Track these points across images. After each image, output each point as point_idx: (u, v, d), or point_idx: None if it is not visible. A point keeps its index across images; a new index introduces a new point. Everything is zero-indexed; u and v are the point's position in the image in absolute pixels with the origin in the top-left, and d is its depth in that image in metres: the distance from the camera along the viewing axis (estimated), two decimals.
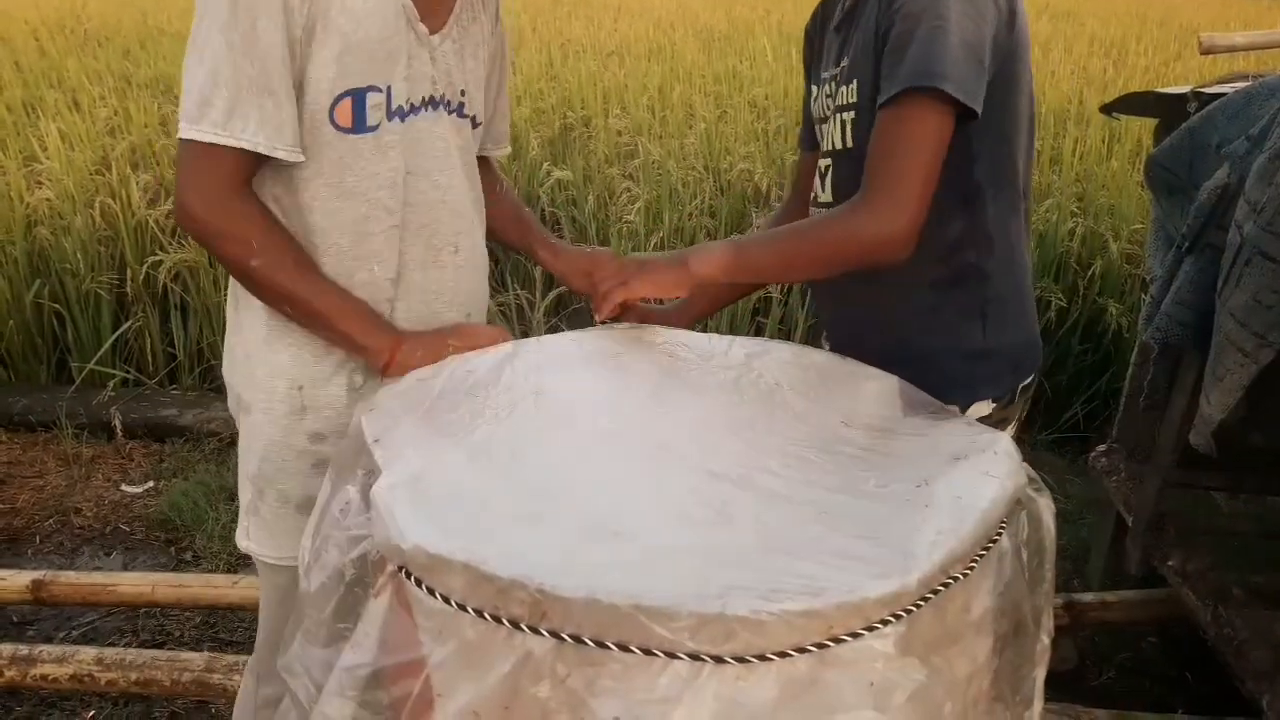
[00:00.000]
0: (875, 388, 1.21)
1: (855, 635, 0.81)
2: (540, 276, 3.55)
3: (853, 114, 1.34)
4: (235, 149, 1.19)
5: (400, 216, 1.32)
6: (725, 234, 3.67)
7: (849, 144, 1.36)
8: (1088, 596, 2.34)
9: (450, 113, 1.36)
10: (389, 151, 1.28)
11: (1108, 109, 2.53)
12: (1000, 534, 0.97)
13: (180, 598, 2.21)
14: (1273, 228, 1.63)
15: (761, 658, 0.79)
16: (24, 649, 1.98)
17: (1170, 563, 2.12)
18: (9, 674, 1.94)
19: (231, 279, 1.36)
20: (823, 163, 1.45)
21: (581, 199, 3.91)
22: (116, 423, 3.26)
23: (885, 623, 0.82)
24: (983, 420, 1.33)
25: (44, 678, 1.94)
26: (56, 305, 3.53)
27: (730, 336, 1.37)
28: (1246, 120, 1.93)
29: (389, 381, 1.32)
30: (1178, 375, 2.13)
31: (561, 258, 1.60)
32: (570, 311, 3.64)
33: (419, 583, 0.87)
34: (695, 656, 0.79)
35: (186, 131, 1.18)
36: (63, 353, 3.61)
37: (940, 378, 1.26)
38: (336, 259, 1.30)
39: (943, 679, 0.89)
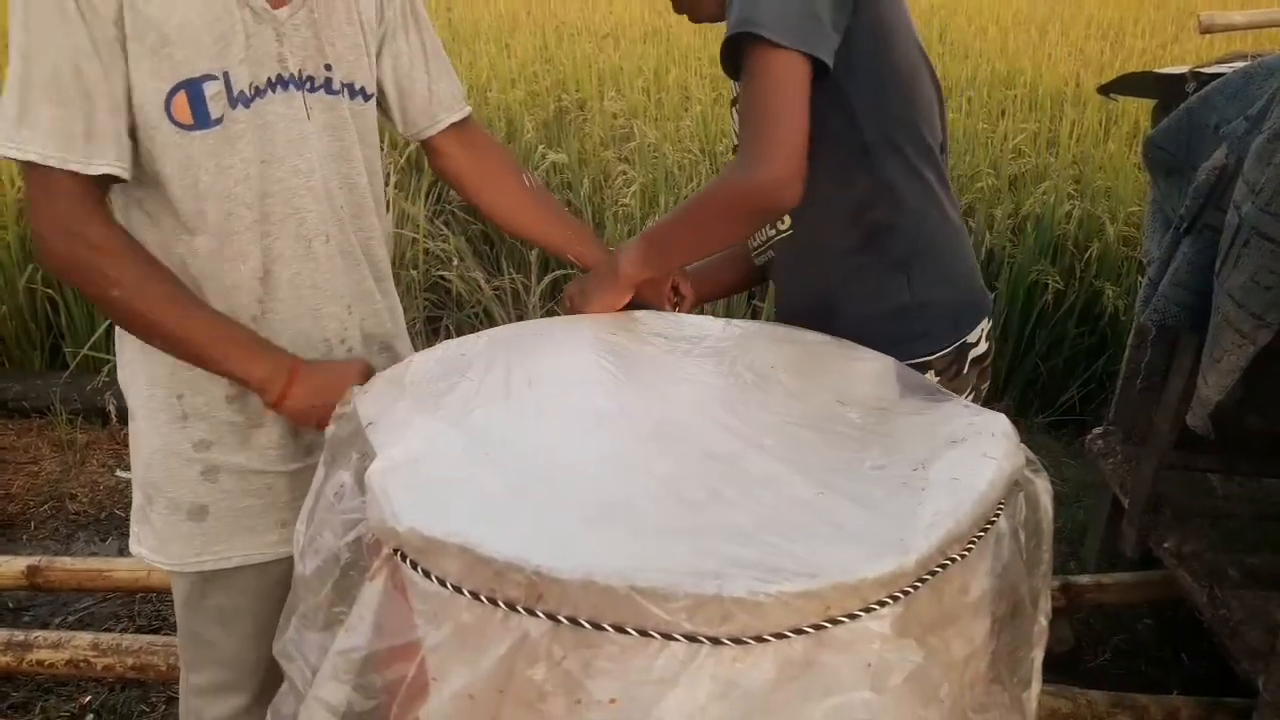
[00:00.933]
0: (871, 368, 1.20)
1: (852, 616, 0.80)
2: (536, 260, 3.54)
3: None
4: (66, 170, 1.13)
5: (260, 210, 1.24)
6: None
7: None
8: (1084, 578, 2.35)
9: (314, 90, 1.27)
10: (238, 142, 1.21)
11: (1105, 90, 2.52)
12: (998, 515, 0.97)
13: None
14: (1271, 208, 1.63)
15: (758, 639, 0.78)
16: (19, 635, 1.98)
17: (1166, 544, 2.12)
18: (4, 659, 1.94)
19: None
20: None
21: (577, 182, 3.90)
22: (111, 408, 3.25)
23: (882, 604, 0.82)
24: None
25: (40, 663, 1.94)
26: (49, 291, 3.52)
27: (724, 319, 1.37)
28: (1245, 100, 1.92)
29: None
30: (1175, 357, 2.13)
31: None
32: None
33: (414, 565, 0.86)
34: (692, 638, 0.78)
35: None
36: (56, 338, 3.60)
37: (875, 340, 1.27)
38: (208, 261, 1.23)
39: (940, 660, 0.89)
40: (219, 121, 1.19)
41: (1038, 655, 1.06)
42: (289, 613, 1.05)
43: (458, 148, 1.52)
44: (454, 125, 1.49)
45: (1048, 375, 3.50)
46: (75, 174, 1.13)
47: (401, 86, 1.43)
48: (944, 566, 0.87)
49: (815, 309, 1.38)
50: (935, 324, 1.37)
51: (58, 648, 1.94)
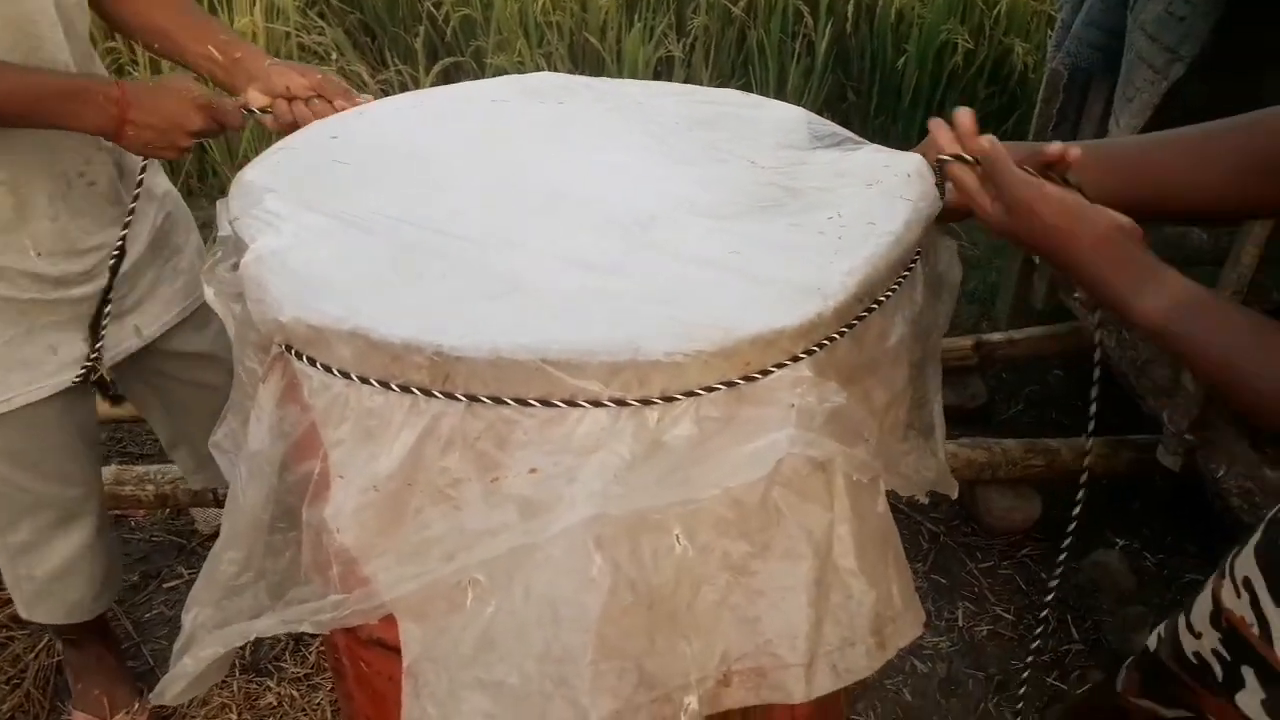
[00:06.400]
0: (781, 119, 1.12)
1: (775, 368, 0.77)
2: (422, 48, 3.30)
3: None
4: None
5: None
6: None
7: None
8: (995, 335, 2.40)
9: None
10: None
11: None
12: (915, 260, 0.94)
13: None
14: None
15: (678, 398, 0.75)
16: None
17: (1076, 295, 2.16)
18: None
19: None
20: None
21: None
22: None
23: (806, 354, 0.79)
24: None
25: None
26: None
27: (626, 80, 1.27)
28: None
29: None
30: (1086, 104, 2.10)
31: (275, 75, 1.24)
32: None
33: (302, 357, 0.80)
34: (610, 403, 0.75)
35: None
36: None
37: None
38: None
39: (863, 406, 0.87)
40: None
41: (939, 402, 1.06)
42: (230, 406, 0.98)
43: None
44: None
45: None
46: None
47: None
48: (863, 317, 0.84)
49: None
50: None
51: None
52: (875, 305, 0.87)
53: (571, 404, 0.75)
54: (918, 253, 0.95)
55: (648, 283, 0.84)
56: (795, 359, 0.79)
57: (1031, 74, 3.40)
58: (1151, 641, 1.19)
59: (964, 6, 3.48)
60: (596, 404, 0.75)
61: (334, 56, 3.25)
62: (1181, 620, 1.13)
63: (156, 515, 2.10)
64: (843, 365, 0.85)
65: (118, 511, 2.06)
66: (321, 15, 3.50)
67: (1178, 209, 0.99)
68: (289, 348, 0.81)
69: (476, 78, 3.63)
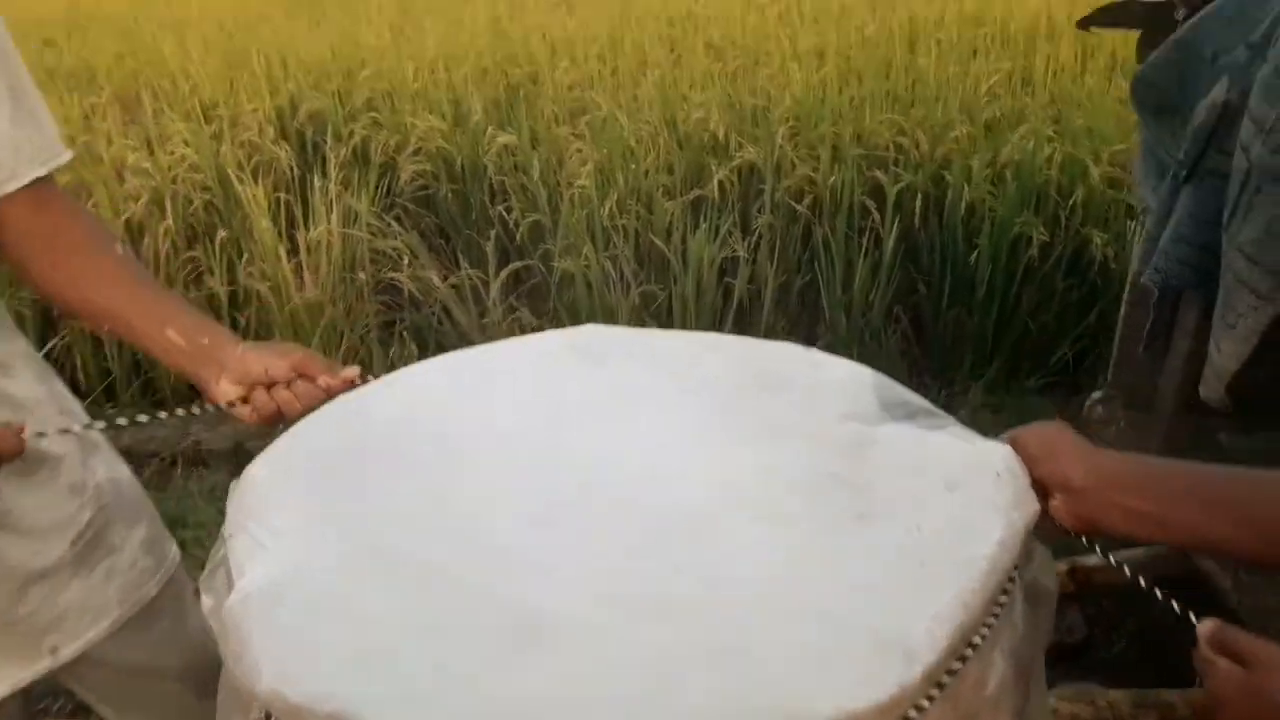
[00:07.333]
0: (843, 383, 1.00)
1: None
2: (493, 252, 3.32)
3: None
4: None
5: None
6: (682, 191, 3.45)
7: None
8: (1092, 559, 2.18)
9: None
10: None
11: (1085, 23, 2.32)
12: (1012, 583, 0.79)
13: None
14: None
15: None
16: None
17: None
18: None
19: None
20: None
21: (528, 164, 3.67)
22: None
23: None
24: None
25: None
26: None
27: (677, 332, 1.16)
28: (1244, 25, 1.72)
29: None
30: (1178, 316, 1.95)
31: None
32: (528, 288, 3.42)
33: None
34: None
35: None
36: None
37: None
38: None
39: None
40: None
41: None
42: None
43: (31, 210, 1.11)
44: (34, 183, 1.10)
45: (1037, 333, 3.32)
46: None
47: None
48: (955, 671, 0.70)
49: None
50: None
51: None
52: (970, 651, 0.72)
53: None
54: (1014, 572, 0.80)
55: (688, 632, 0.70)
56: None
57: (1112, 265, 3.27)
58: None
59: (1037, 198, 3.40)
60: None
61: (405, 260, 3.29)
62: None
63: None
64: None
65: None
66: (398, 219, 3.58)
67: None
68: (269, 716, 0.69)
69: (545, 280, 3.65)
